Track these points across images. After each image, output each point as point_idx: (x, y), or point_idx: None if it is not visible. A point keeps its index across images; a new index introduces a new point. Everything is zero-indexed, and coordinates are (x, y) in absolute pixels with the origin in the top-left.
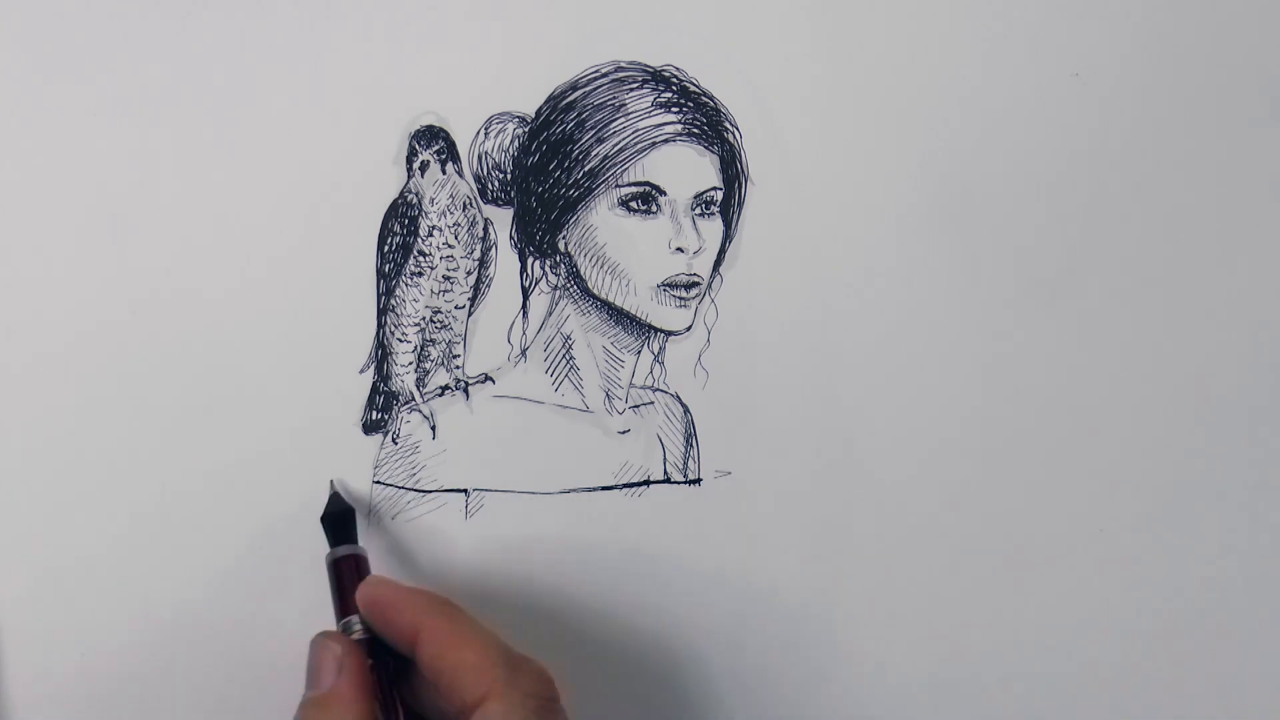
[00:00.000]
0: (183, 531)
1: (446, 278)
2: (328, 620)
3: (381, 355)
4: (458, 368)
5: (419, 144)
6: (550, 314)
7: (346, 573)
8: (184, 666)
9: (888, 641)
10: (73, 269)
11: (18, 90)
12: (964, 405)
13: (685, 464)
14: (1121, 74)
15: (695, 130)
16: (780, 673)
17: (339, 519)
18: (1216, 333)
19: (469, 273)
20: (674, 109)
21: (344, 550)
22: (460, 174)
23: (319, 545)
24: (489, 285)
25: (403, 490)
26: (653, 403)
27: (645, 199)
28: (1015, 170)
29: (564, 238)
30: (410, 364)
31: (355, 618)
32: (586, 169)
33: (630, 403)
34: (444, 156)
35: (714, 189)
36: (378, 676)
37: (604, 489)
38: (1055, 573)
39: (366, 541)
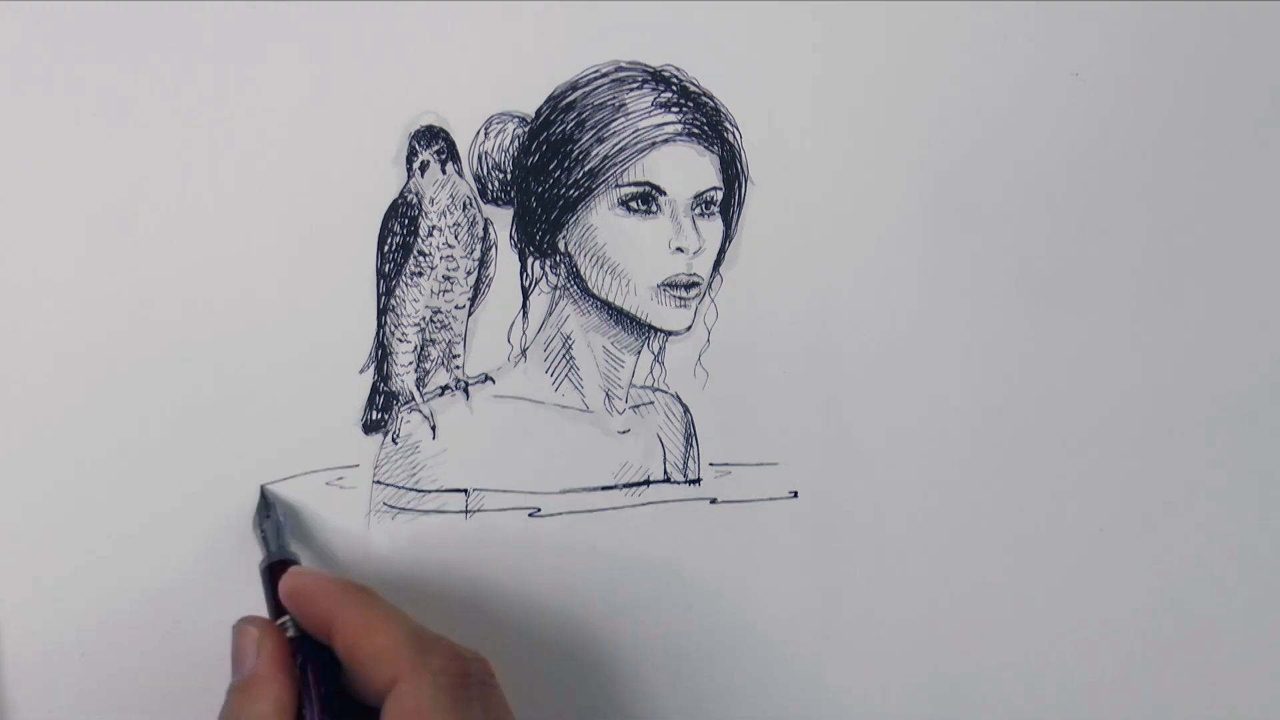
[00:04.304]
0: (183, 531)
1: (446, 278)
2: None
3: (381, 355)
4: (458, 368)
5: (419, 144)
6: (550, 314)
7: (277, 575)
8: (184, 667)
9: (887, 641)
10: (73, 269)
11: (18, 91)
12: (964, 405)
13: (685, 464)
14: (1121, 74)
15: (695, 130)
16: (780, 673)
17: (270, 526)
18: (1217, 332)
19: (469, 273)
20: (674, 109)
21: (273, 556)
22: (460, 174)
23: (318, 547)
24: (489, 285)
25: (403, 490)
26: (653, 403)
27: (645, 199)
28: (1015, 170)
29: (564, 238)
30: (410, 364)
31: (287, 617)
32: (586, 169)
33: (630, 403)
34: (444, 156)
35: (714, 189)
36: (300, 660)
37: (604, 489)
38: (1055, 572)
39: (366, 540)
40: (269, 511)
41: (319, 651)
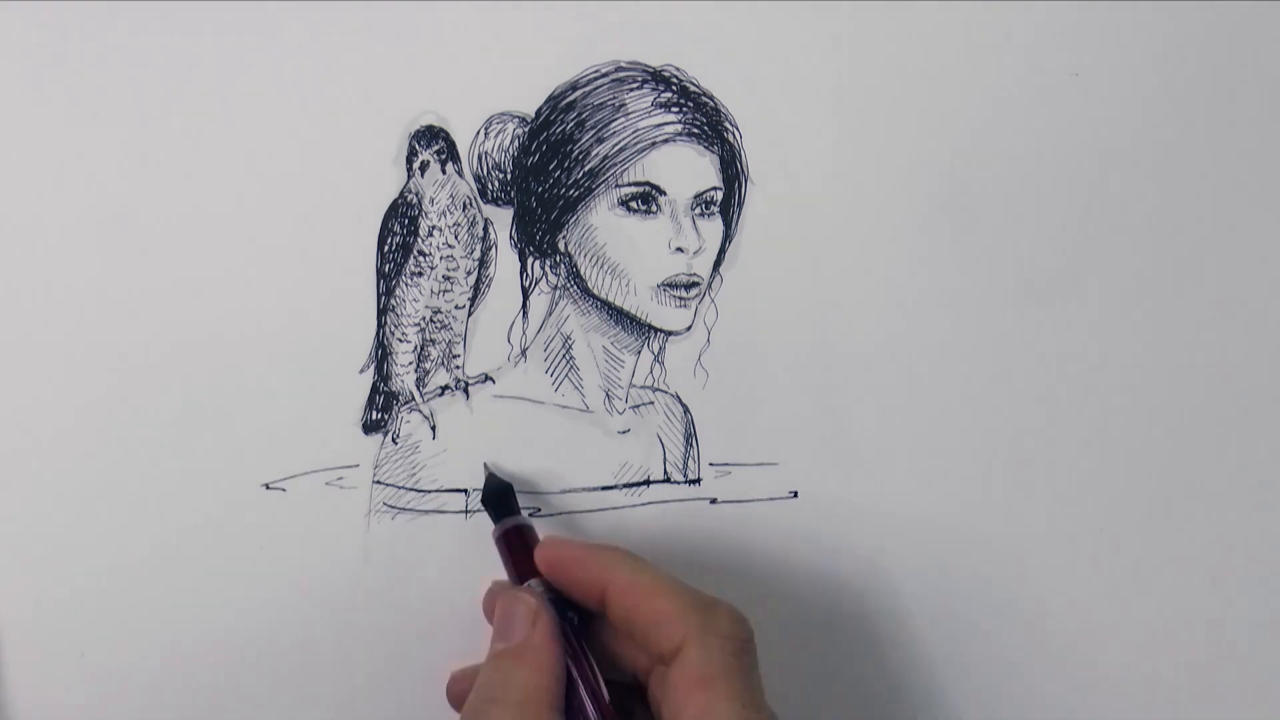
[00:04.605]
0: (182, 531)
1: (446, 278)
2: (329, 620)
3: (381, 355)
4: (458, 368)
5: (419, 144)
6: (550, 314)
7: (516, 542)
8: (184, 667)
9: (887, 640)
10: (73, 269)
11: (18, 91)
12: (964, 405)
13: (685, 464)
14: (1121, 74)
15: (695, 130)
16: (779, 673)
17: (498, 496)
18: (1217, 332)
19: (469, 273)
20: (674, 109)
21: (510, 522)
22: (460, 174)
23: (318, 546)
24: (489, 285)
25: (403, 490)
26: (653, 403)
27: (645, 199)
28: (1015, 170)
29: (564, 238)
30: (410, 364)
31: (534, 581)
32: (586, 169)
33: (630, 403)
34: (444, 156)
35: (714, 189)
36: (566, 632)
37: (604, 489)
38: (1055, 572)
39: (366, 540)
40: (495, 482)
41: (579, 618)
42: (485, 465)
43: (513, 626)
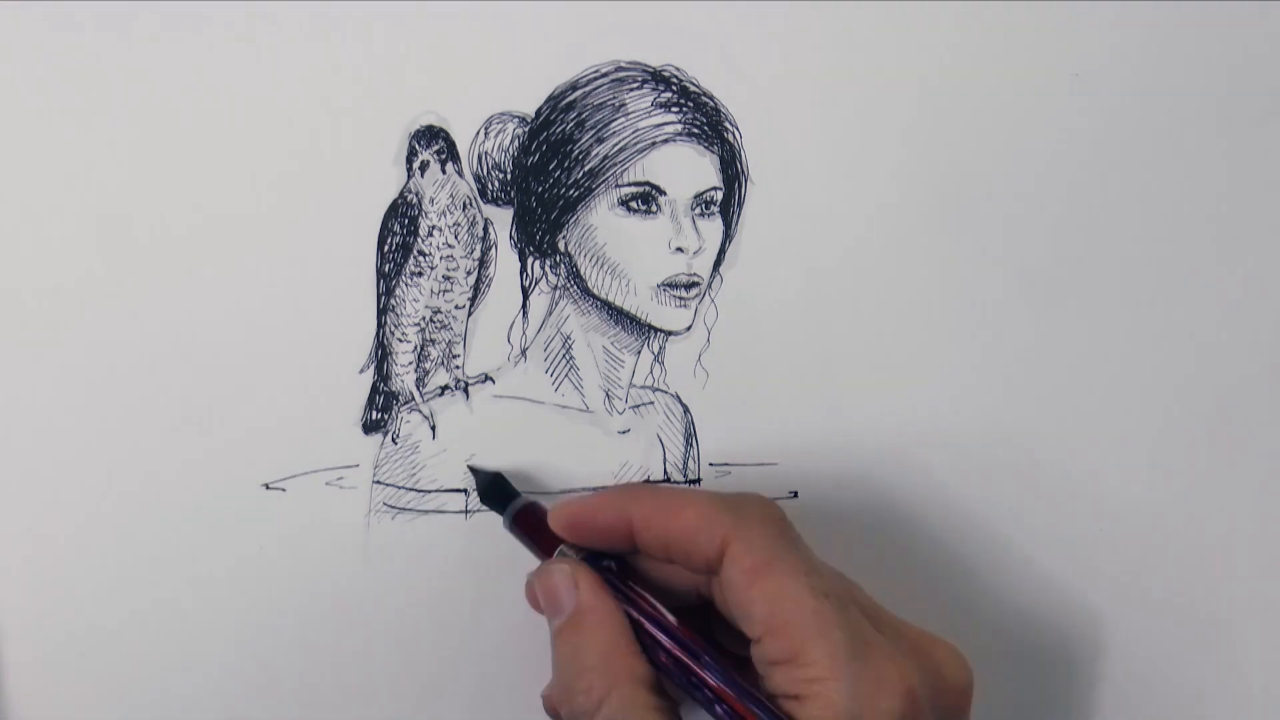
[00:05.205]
0: (182, 531)
1: (446, 278)
2: (329, 620)
3: (381, 355)
4: (458, 368)
5: (419, 144)
6: (550, 314)
7: (528, 521)
8: (184, 667)
9: None
10: (73, 269)
11: (17, 91)
12: (963, 404)
13: (685, 464)
14: (1121, 74)
15: (695, 130)
16: None
17: (492, 486)
18: (1217, 332)
19: (469, 273)
20: (674, 109)
21: (515, 506)
22: (460, 174)
23: (318, 546)
24: (489, 285)
25: (403, 490)
26: (653, 403)
27: (645, 199)
28: (1015, 170)
29: (564, 238)
30: (410, 364)
31: (561, 548)
32: (586, 169)
33: (630, 403)
34: (444, 156)
35: (714, 189)
36: (610, 580)
37: (604, 489)
38: (1055, 572)
39: (366, 540)
40: (484, 476)
41: (616, 566)
42: (469, 467)
43: (559, 599)
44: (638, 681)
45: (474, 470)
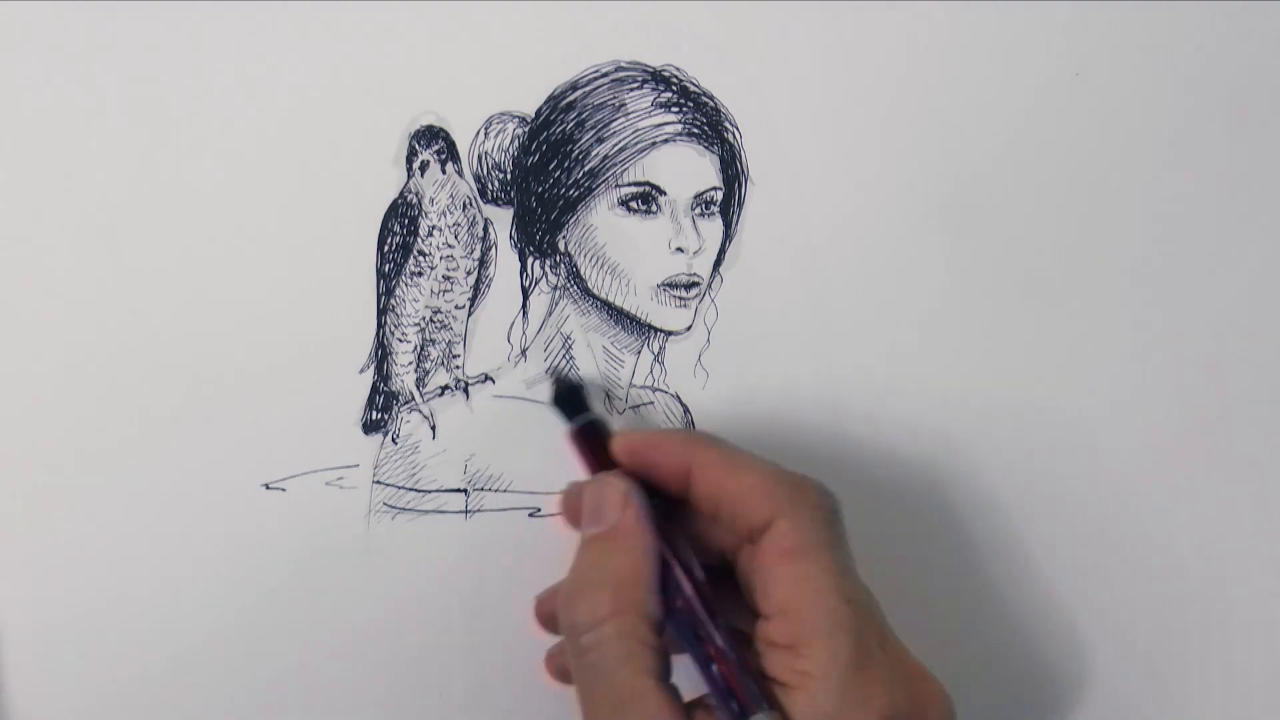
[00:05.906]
0: (182, 532)
1: (446, 278)
2: (329, 620)
3: (381, 355)
4: (458, 368)
5: (419, 144)
6: (550, 314)
7: (590, 437)
8: (184, 666)
9: None
10: (73, 269)
11: (17, 91)
12: (964, 405)
13: None
14: (1121, 74)
15: (695, 130)
16: None
17: (571, 394)
18: (1217, 332)
19: (469, 273)
20: (674, 109)
21: (584, 418)
22: (460, 174)
23: (318, 546)
24: (489, 285)
25: (403, 490)
26: (653, 403)
27: (645, 199)
28: (1015, 170)
29: (564, 238)
30: (410, 364)
31: (616, 470)
32: (586, 169)
33: (630, 403)
34: (444, 156)
35: (714, 189)
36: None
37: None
38: (1055, 572)
39: (366, 540)
40: (564, 382)
41: (662, 508)
42: (548, 372)
43: (603, 510)
44: (642, 616)
45: (556, 375)
